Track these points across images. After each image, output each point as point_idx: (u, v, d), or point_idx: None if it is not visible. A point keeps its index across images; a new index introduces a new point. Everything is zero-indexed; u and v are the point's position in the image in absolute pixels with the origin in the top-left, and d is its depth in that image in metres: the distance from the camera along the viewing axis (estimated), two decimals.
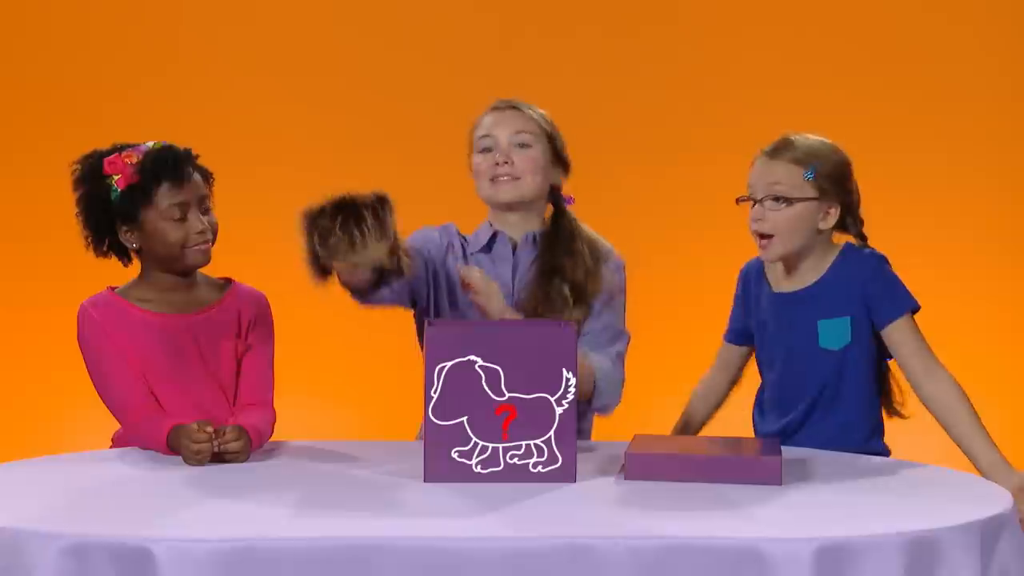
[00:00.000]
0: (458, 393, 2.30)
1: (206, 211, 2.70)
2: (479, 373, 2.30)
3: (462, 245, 2.91)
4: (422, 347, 2.93)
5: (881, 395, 2.79)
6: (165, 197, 2.65)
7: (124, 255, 2.73)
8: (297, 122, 4.49)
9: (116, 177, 2.64)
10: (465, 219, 2.98)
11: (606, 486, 2.33)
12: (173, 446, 2.52)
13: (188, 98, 4.45)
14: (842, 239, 2.79)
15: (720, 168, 4.30)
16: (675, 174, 4.47)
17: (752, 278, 2.85)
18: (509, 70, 4.31)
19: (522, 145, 2.85)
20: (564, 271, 2.83)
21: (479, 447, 2.32)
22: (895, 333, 2.69)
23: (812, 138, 2.75)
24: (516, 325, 2.51)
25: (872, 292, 2.69)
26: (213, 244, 2.71)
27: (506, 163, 2.83)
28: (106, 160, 2.66)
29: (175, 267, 2.70)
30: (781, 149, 2.72)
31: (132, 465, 2.51)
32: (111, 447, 2.76)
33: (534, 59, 4.44)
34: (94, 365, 2.68)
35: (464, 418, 2.31)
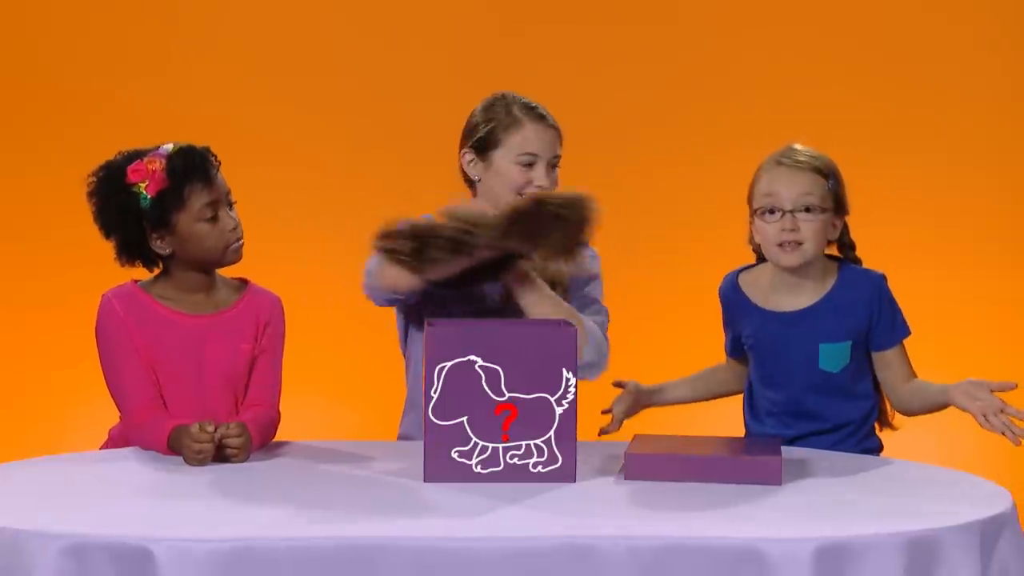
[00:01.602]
0: (458, 393, 2.30)
1: (231, 205, 2.70)
2: (479, 373, 2.30)
3: None
4: (404, 343, 2.95)
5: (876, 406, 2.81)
6: (197, 198, 2.63)
7: (152, 262, 2.70)
8: (297, 122, 4.49)
9: (144, 184, 2.61)
10: None
11: (606, 486, 2.33)
12: (174, 447, 2.52)
13: (187, 98, 4.45)
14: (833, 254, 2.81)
15: (720, 168, 4.31)
16: (675, 174, 4.47)
17: (730, 295, 2.86)
18: (509, 69, 4.31)
19: (552, 167, 2.89)
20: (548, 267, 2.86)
21: (479, 447, 2.32)
22: (887, 358, 2.75)
23: (813, 149, 2.79)
24: (516, 325, 2.51)
25: (875, 314, 2.74)
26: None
27: (544, 187, 2.86)
28: (129, 169, 2.62)
29: (209, 267, 2.70)
30: (802, 159, 2.74)
31: (132, 465, 2.51)
32: (106, 440, 2.75)
33: (534, 58, 4.44)
34: (108, 357, 2.67)
35: (464, 418, 2.31)
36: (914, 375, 2.76)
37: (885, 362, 2.75)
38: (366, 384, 4.22)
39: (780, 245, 2.72)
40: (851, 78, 4.43)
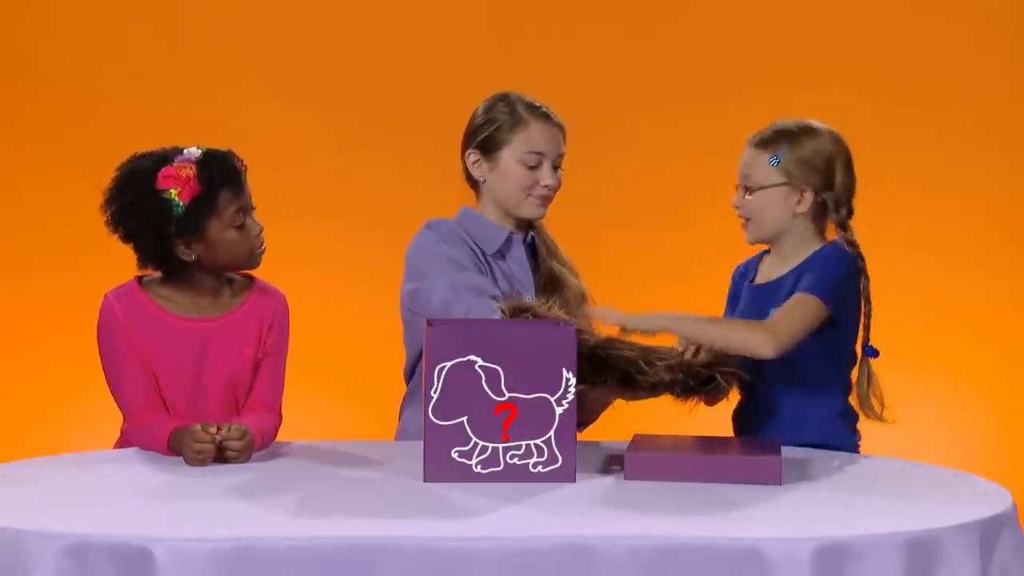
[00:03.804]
0: (458, 393, 2.30)
1: (253, 209, 2.69)
2: (479, 373, 2.30)
3: (478, 245, 2.90)
4: (411, 374, 2.95)
5: (848, 390, 2.75)
6: (228, 205, 2.61)
7: (170, 266, 2.66)
8: (295, 122, 4.49)
9: (176, 190, 2.57)
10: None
11: (606, 486, 2.33)
12: (174, 447, 2.51)
13: (187, 98, 4.45)
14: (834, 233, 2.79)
15: (719, 167, 4.31)
16: (674, 173, 4.47)
17: (740, 274, 2.86)
18: (508, 69, 4.31)
19: (556, 167, 2.90)
20: (566, 276, 2.89)
21: (479, 447, 2.32)
22: (788, 300, 2.64)
23: (797, 123, 2.76)
24: (516, 325, 2.51)
25: (804, 267, 2.69)
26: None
27: (550, 187, 2.88)
28: (160, 174, 2.58)
29: (228, 270, 2.70)
30: (758, 136, 2.76)
31: (132, 465, 2.51)
32: (119, 438, 2.75)
33: (533, 58, 4.44)
34: (108, 358, 2.66)
35: (464, 418, 2.31)
36: (782, 324, 2.58)
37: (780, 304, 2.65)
38: (366, 384, 4.23)
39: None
40: (851, 78, 4.43)
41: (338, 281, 4.44)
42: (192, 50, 4.51)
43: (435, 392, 2.30)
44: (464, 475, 2.31)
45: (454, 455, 2.31)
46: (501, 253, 2.90)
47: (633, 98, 4.50)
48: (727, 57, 4.49)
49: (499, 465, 2.32)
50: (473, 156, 2.91)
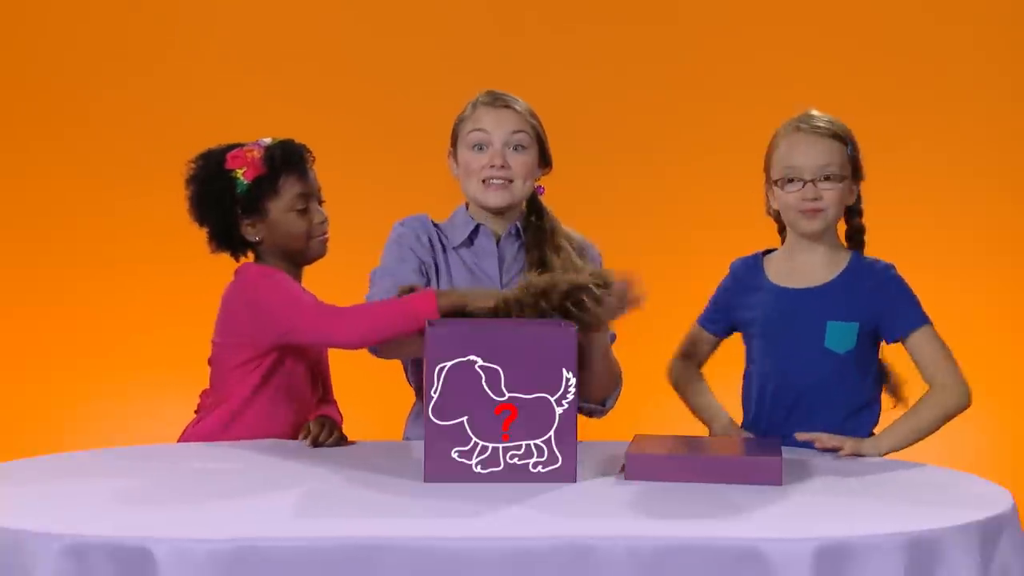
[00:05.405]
0: (458, 393, 2.30)
1: (320, 202, 2.82)
2: (479, 373, 2.30)
3: (440, 239, 2.90)
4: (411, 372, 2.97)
5: (881, 390, 2.80)
6: (290, 189, 2.76)
7: (240, 249, 2.79)
8: (297, 121, 4.48)
9: (242, 170, 2.72)
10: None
11: (606, 486, 2.33)
12: (455, 303, 2.54)
13: (187, 98, 4.45)
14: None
15: (719, 168, 4.32)
16: (674, 174, 4.47)
17: (745, 271, 2.84)
18: (508, 69, 4.31)
19: (517, 147, 2.85)
20: (553, 267, 2.85)
21: (479, 447, 2.32)
22: (909, 348, 2.72)
23: (828, 115, 2.78)
24: (516, 325, 2.51)
25: (885, 305, 2.71)
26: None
27: (502, 166, 2.83)
28: (229, 155, 2.74)
29: (296, 259, 2.80)
30: (821, 125, 2.73)
31: (133, 465, 2.51)
32: (192, 425, 2.81)
33: (533, 58, 4.44)
34: (285, 287, 2.71)
35: (464, 418, 2.31)
36: (950, 362, 2.72)
37: (915, 353, 2.72)
38: (367, 384, 4.22)
39: (802, 211, 2.72)
40: (851, 78, 4.44)
41: (337, 280, 4.43)
42: (191, 49, 4.50)
43: (435, 392, 2.30)
44: (464, 475, 2.31)
45: (454, 455, 2.31)
46: (471, 241, 2.89)
47: (633, 98, 4.50)
48: (727, 57, 4.49)
49: (499, 465, 2.32)
50: (450, 158, 2.93)
